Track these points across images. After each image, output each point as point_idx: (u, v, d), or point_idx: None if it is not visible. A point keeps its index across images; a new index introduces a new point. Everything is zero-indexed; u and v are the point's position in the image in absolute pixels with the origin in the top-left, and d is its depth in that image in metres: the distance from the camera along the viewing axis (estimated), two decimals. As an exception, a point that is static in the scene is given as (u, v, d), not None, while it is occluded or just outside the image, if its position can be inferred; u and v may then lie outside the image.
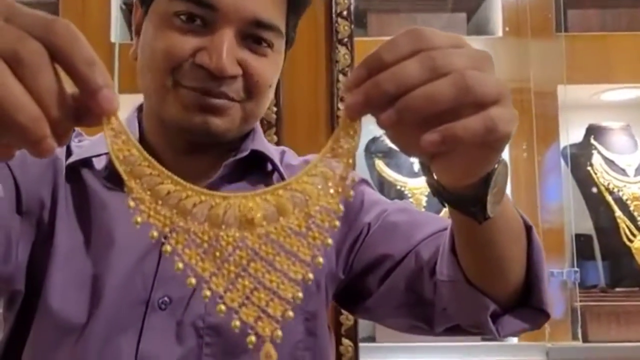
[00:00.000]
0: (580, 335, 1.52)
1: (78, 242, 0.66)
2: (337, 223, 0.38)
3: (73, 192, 0.67)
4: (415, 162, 1.70)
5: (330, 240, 0.38)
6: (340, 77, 1.50)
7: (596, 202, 1.68)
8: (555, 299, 1.56)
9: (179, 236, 0.35)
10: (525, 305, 0.59)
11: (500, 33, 1.64)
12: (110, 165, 0.62)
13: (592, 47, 1.65)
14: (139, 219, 0.36)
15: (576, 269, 1.50)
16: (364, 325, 1.52)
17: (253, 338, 0.37)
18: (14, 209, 0.63)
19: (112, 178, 0.64)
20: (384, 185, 1.69)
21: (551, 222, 1.57)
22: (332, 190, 0.37)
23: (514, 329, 0.59)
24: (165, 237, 0.36)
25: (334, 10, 1.50)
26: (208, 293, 0.36)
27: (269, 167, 0.71)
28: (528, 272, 0.57)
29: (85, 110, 0.35)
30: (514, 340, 1.55)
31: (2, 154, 0.35)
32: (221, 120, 0.63)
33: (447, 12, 1.74)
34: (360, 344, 1.45)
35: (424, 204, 1.64)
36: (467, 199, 0.45)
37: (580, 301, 1.53)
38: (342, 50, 1.49)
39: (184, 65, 0.60)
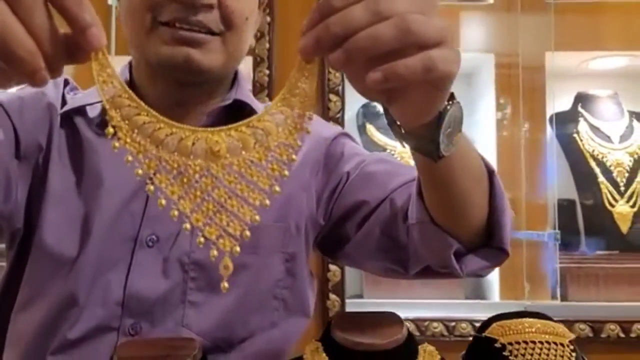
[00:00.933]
0: (559, 296, 1.58)
1: (70, 183, 0.69)
2: (295, 157, 0.42)
3: (67, 138, 0.71)
4: (405, 127, 1.74)
5: (286, 172, 0.42)
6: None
7: (580, 168, 1.72)
8: (536, 260, 1.61)
9: (163, 176, 0.39)
10: (487, 246, 0.63)
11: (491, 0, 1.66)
12: (102, 113, 0.66)
13: (581, 15, 1.67)
14: (130, 158, 0.40)
15: (557, 231, 1.55)
16: (352, 284, 1.58)
17: (215, 252, 0.41)
18: (13, 153, 0.68)
19: (104, 125, 0.68)
20: (373, 149, 1.73)
21: (537, 190, 1.62)
22: (290, 127, 0.41)
23: (476, 267, 0.63)
24: (150, 179, 0.40)
25: None
26: (176, 213, 0.41)
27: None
28: (490, 214, 0.60)
29: (75, 46, 0.38)
30: (496, 298, 1.62)
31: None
32: (203, 54, 0.64)
33: (440, -22, 1.75)
34: (348, 300, 1.51)
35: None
36: (423, 139, 0.49)
37: (561, 263, 1.58)
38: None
39: (162, 3, 0.62)
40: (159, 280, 0.69)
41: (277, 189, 0.42)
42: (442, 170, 0.54)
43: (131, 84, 0.73)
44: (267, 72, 1.51)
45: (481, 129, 1.79)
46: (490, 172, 0.60)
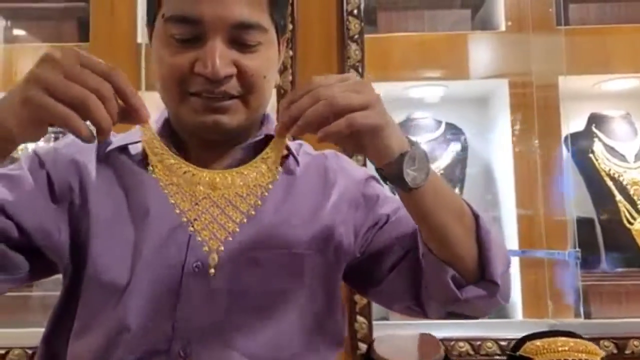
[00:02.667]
0: (582, 313, 1.60)
1: (116, 214, 0.74)
2: (266, 193, 0.67)
3: (111, 172, 0.77)
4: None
5: (259, 202, 0.66)
6: (351, 72, 1.59)
7: (597, 186, 1.75)
8: (557, 278, 1.64)
9: (180, 200, 0.65)
10: (483, 279, 0.74)
11: (503, 27, 1.72)
12: (143, 152, 0.75)
13: (591, 40, 1.73)
14: (172, 201, 0.64)
15: (577, 249, 1.58)
16: (378, 306, 1.61)
17: (206, 249, 0.65)
18: (48, 198, 0.74)
19: (145, 161, 0.73)
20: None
21: (554, 208, 1.65)
22: (260, 180, 0.66)
23: (473, 294, 0.73)
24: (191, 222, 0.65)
25: (344, 9, 1.60)
26: (184, 219, 0.64)
27: (285, 151, 0.79)
28: (479, 252, 0.72)
29: (130, 116, 0.61)
30: (519, 317, 1.64)
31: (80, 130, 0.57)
32: (229, 117, 0.72)
33: (453, 8, 1.83)
34: (375, 322, 1.54)
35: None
36: (396, 175, 0.64)
37: (583, 281, 1.60)
38: (353, 46, 1.58)
39: (187, 76, 0.70)
40: (207, 305, 0.72)
41: (253, 212, 0.65)
42: (417, 202, 0.68)
43: (170, 126, 0.80)
44: (291, 77, 1.56)
45: (498, 151, 1.84)
46: (476, 216, 0.73)
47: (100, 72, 0.57)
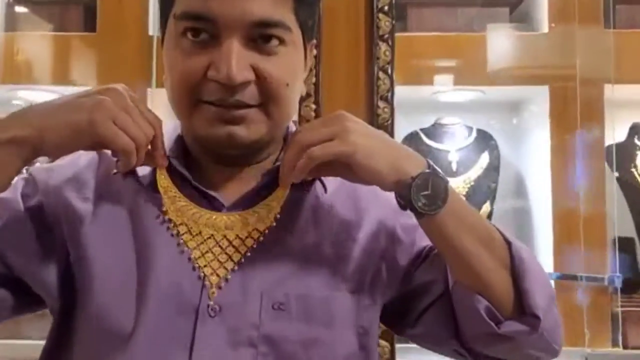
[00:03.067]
0: (620, 342, 1.49)
1: (117, 248, 0.67)
2: (262, 239, 0.67)
3: (113, 198, 0.70)
4: (453, 161, 1.68)
5: (254, 246, 0.67)
6: (381, 74, 1.47)
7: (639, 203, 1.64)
8: (595, 305, 1.53)
9: (188, 237, 0.67)
10: (523, 313, 0.66)
11: (545, 29, 1.59)
12: (153, 175, 0.71)
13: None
14: (174, 231, 0.67)
15: (618, 274, 1.47)
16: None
17: (207, 283, 0.65)
18: (42, 227, 0.68)
19: (153, 185, 0.70)
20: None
21: (594, 226, 1.54)
22: (259, 223, 0.68)
23: (513, 329, 0.66)
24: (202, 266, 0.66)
25: (375, 6, 1.47)
26: (192, 257, 0.66)
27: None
28: (515, 283, 0.66)
29: (151, 160, 0.66)
30: (553, 345, 1.53)
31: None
32: (246, 129, 0.64)
33: (490, 6, 1.69)
34: (397, 345, 1.44)
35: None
36: (404, 201, 0.63)
37: (622, 307, 1.49)
38: (383, 46, 1.46)
39: (199, 83, 0.63)
40: (226, 354, 0.64)
41: (249, 254, 0.67)
42: (434, 228, 0.65)
43: (183, 143, 0.73)
44: (314, 106, 1.45)
45: (533, 161, 1.72)
46: (508, 243, 0.67)
47: (151, 119, 0.64)
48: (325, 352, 0.67)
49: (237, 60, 0.61)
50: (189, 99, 0.64)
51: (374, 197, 0.74)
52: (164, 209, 0.66)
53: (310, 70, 1.45)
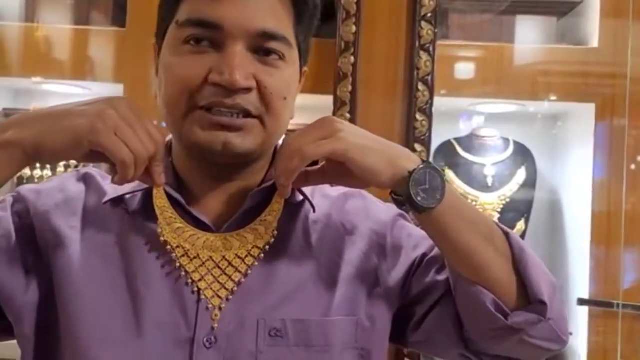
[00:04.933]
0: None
1: (107, 279, 0.65)
2: (262, 255, 0.67)
3: (102, 228, 0.68)
4: (489, 176, 1.61)
5: (256, 263, 0.67)
6: (420, 85, 1.41)
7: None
8: (633, 334, 1.47)
9: (186, 260, 0.66)
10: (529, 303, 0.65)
11: (595, 43, 1.51)
12: (144, 202, 0.70)
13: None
14: (177, 263, 0.66)
15: (659, 304, 1.40)
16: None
17: (210, 306, 0.64)
18: (29, 251, 0.66)
19: (144, 213, 0.69)
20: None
21: (636, 250, 1.47)
22: (258, 242, 0.67)
23: (523, 319, 0.65)
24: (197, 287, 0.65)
25: (417, 12, 1.40)
26: (190, 281, 0.65)
27: (299, 196, 0.71)
28: (518, 272, 0.65)
29: (148, 177, 0.63)
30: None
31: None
32: (242, 138, 0.64)
33: (536, 14, 1.61)
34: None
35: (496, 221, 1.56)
36: (403, 197, 0.62)
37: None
38: (424, 56, 1.39)
39: (200, 87, 0.62)
40: None
41: (250, 272, 0.66)
42: (434, 223, 0.64)
43: (170, 159, 0.73)
44: (349, 116, 1.40)
45: (572, 178, 1.65)
46: (506, 233, 0.67)
47: (154, 134, 0.61)
48: None
49: (241, 64, 0.61)
50: (186, 104, 0.63)
51: (365, 214, 0.74)
52: (160, 230, 0.66)
53: (346, 77, 1.41)
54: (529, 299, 0.65)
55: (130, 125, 0.59)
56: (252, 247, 0.66)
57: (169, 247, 0.65)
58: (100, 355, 0.62)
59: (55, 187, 0.71)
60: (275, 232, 0.67)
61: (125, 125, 0.59)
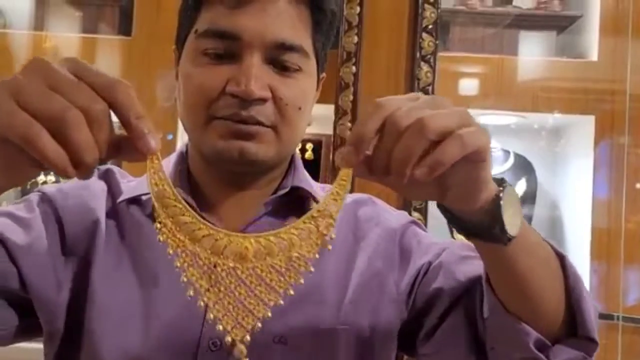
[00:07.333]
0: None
1: (123, 284, 0.65)
2: (312, 269, 0.50)
3: (118, 231, 0.68)
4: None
5: (302, 280, 0.50)
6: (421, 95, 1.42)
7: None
8: (634, 348, 1.46)
9: (195, 271, 0.48)
10: (573, 336, 0.59)
11: (594, 57, 1.52)
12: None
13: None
14: (178, 264, 0.48)
15: (659, 317, 1.40)
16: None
17: (229, 339, 0.49)
18: (59, 251, 0.66)
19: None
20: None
21: (636, 264, 1.47)
22: (312, 243, 0.49)
23: (566, 357, 0.58)
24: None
25: (419, 24, 1.42)
26: (202, 303, 0.48)
27: (313, 203, 0.71)
28: (568, 301, 0.58)
29: (133, 148, 0.45)
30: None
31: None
32: (256, 146, 0.64)
33: (536, 29, 1.63)
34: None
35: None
36: (486, 224, 0.51)
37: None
38: (425, 67, 1.41)
39: (218, 97, 0.63)
40: None
41: (291, 292, 0.49)
42: (507, 254, 0.54)
43: (187, 167, 0.72)
44: (350, 124, 1.41)
45: (572, 193, 1.65)
46: (561, 257, 0.59)
47: (100, 85, 0.42)
48: None
49: (257, 75, 0.62)
50: (204, 114, 0.64)
51: (375, 221, 0.73)
52: (158, 225, 0.54)
53: (347, 86, 1.42)
54: (574, 330, 0.58)
55: (49, 78, 0.42)
56: (297, 256, 0.51)
57: (170, 251, 0.54)
58: (109, 352, 0.63)
59: (79, 185, 0.71)
60: (332, 235, 0.51)
61: (34, 90, 0.41)
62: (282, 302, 0.49)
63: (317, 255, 0.49)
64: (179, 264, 0.48)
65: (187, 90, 0.65)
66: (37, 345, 0.70)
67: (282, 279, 0.49)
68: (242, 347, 0.49)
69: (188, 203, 0.58)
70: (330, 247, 0.50)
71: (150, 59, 1.56)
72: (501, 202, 0.49)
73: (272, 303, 0.49)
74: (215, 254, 0.47)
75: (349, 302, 0.67)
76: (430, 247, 0.72)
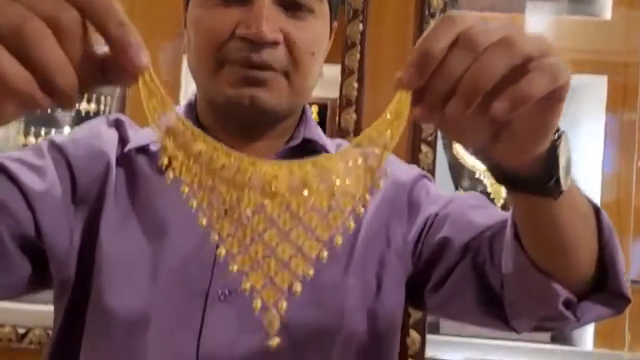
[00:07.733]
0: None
1: (130, 233, 0.65)
2: (362, 210, 0.39)
3: (127, 181, 0.68)
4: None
5: (352, 224, 0.38)
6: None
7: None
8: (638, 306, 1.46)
9: (234, 240, 0.37)
10: (602, 291, 0.57)
11: (608, 15, 1.49)
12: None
13: None
14: (194, 204, 0.38)
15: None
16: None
17: (259, 303, 0.39)
18: (70, 198, 0.66)
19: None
20: (458, 172, 1.60)
21: None
22: (360, 177, 0.37)
23: (594, 315, 0.57)
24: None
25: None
26: (223, 252, 0.39)
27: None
28: (601, 256, 0.55)
29: (118, 68, 0.36)
30: (589, 347, 1.47)
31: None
32: (268, 93, 0.62)
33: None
34: (427, 336, 1.40)
35: (504, 195, 1.55)
36: (540, 176, 0.45)
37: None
38: (435, 18, 1.38)
39: (228, 41, 0.61)
40: (235, 338, 0.63)
41: (340, 240, 0.39)
42: (554, 209, 0.49)
43: (196, 117, 0.71)
44: (357, 85, 1.39)
45: (580, 158, 1.63)
46: (597, 210, 0.56)
47: None
48: (336, 338, 0.65)
49: (268, 17, 0.60)
50: (214, 58, 0.62)
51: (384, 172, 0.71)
52: (165, 161, 0.45)
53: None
54: (604, 285, 0.56)
55: None
56: (345, 191, 0.40)
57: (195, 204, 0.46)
58: (116, 302, 0.63)
59: (90, 135, 0.70)
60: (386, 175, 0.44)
61: None
62: (325, 253, 0.39)
63: (367, 196, 0.40)
64: (194, 205, 0.39)
65: (197, 34, 0.63)
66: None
67: (324, 221, 0.37)
68: (274, 318, 0.39)
69: None
70: (381, 185, 0.41)
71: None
72: (558, 152, 0.44)
73: (313, 254, 0.38)
74: (237, 188, 0.37)
75: (358, 256, 0.67)
76: (438, 198, 0.72)
